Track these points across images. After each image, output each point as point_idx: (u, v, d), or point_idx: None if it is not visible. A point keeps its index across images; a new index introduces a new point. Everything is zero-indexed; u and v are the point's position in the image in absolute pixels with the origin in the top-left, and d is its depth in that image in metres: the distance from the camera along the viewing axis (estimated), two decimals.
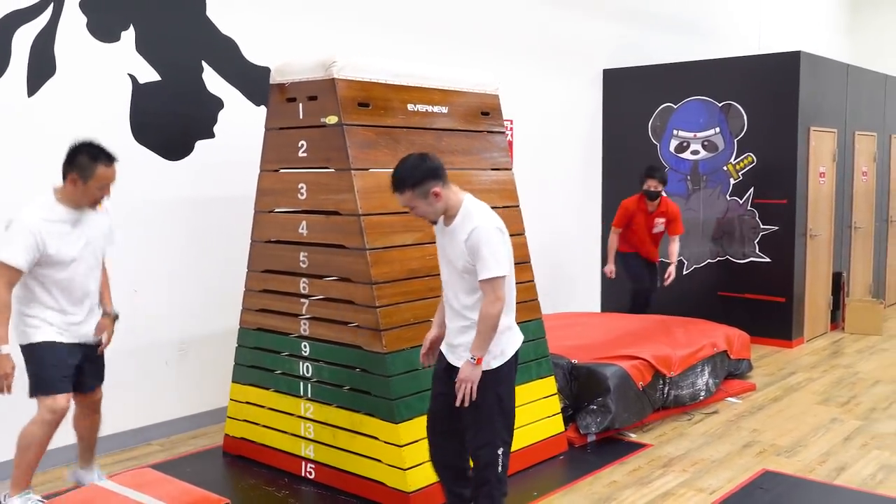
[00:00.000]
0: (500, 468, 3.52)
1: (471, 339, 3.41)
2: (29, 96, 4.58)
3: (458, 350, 3.52)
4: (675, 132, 8.32)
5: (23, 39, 4.52)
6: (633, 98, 8.56)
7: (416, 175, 3.36)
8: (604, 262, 7.70)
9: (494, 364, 3.45)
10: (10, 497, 3.73)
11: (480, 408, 3.44)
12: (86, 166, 3.71)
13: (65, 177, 3.76)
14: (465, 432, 3.54)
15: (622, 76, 8.63)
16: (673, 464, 4.82)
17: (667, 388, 5.58)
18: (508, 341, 3.52)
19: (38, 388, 3.75)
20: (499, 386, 3.48)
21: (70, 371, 3.84)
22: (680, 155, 8.30)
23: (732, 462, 4.84)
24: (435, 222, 3.54)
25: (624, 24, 8.85)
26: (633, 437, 5.28)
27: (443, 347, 3.63)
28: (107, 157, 3.76)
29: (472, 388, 3.37)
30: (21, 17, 4.50)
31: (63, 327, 3.81)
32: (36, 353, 3.75)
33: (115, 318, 4.07)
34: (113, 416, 4.93)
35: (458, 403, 3.40)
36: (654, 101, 8.42)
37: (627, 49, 8.84)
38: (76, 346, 3.86)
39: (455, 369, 3.49)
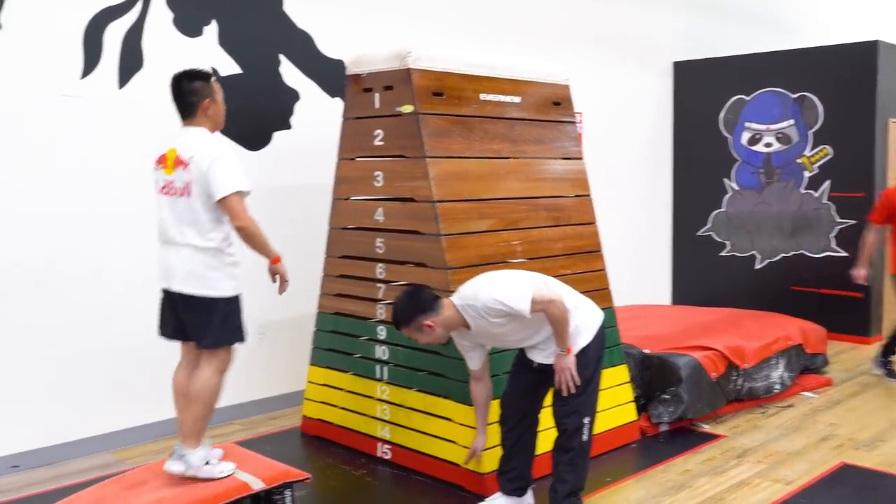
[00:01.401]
0: (584, 436, 3.66)
1: (552, 349, 3.65)
2: (119, 88, 4.78)
3: (546, 357, 3.71)
4: (747, 124, 8.21)
5: (114, 35, 4.73)
6: (704, 90, 8.47)
7: (406, 315, 3.57)
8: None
9: (577, 348, 3.63)
10: (193, 450, 3.63)
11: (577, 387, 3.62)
12: (206, 87, 3.67)
13: (195, 109, 3.63)
14: (554, 408, 3.71)
15: (693, 68, 8.55)
16: (748, 455, 4.78)
17: (741, 380, 5.52)
18: (583, 321, 3.67)
19: (233, 338, 3.69)
20: (587, 362, 3.64)
21: None
22: (752, 148, 8.18)
23: (809, 455, 4.77)
24: (447, 341, 3.72)
25: (694, 16, 8.76)
26: (706, 427, 5.25)
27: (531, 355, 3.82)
28: (211, 74, 3.76)
29: (572, 374, 3.57)
30: (112, 13, 4.71)
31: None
32: (233, 305, 3.66)
33: None
34: None
35: (564, 393, 3.59)
36: (725, 94, 8.32)
37: (698, 41, 8.76)
38: None
39: (541, 365, 3.70)
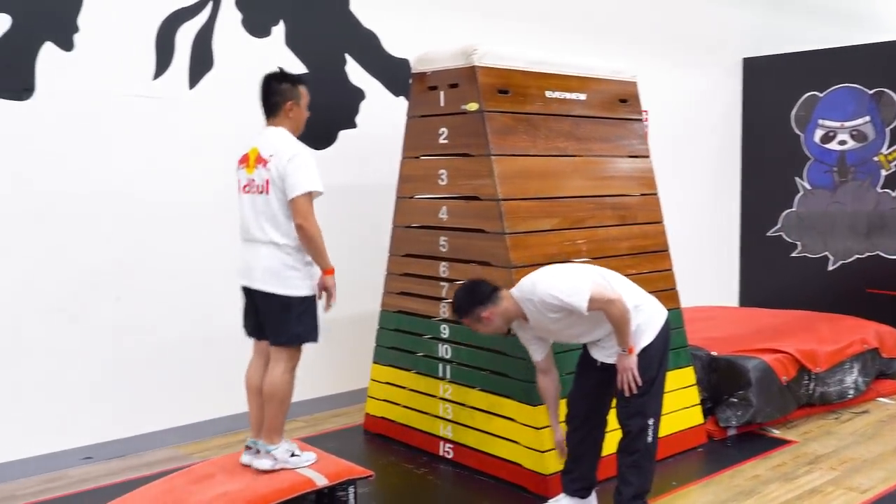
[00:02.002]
0: (649, 438, 3.59)
1: (613, 346, 3.57)
2: (190, 89, 4.88)
3: (607, 356, 3.66)
4: (820, 122, 7.97)
5: (185, 36, 4.83)
6: (776, 87, 8.25)
7: (465, 306, 3.60)
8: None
9: (643, 343, 3.57)
10: (277, 446, 3.73)
11: (639, 386, 3.55)
12: (293, 90, 3.76)
13: (278, 109, 3.74)
14: (618, 410, 3.65)
15: (763, 64, 8.34)
16: (820, 461, 4.64)
17: (812, 385, 5.37)
18: (645, 320, 3.60)
19: (306, 337, 3.76)
20: (649, 361, 3.56)
21: None
22: (825, 145, 7.94)
23: (886, 462, 4.61)
24: (508, 332, 3.72)
25: (765, 11, 8.55)
26: (776, 432, 5.11)
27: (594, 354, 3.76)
28: (302, 79, 3.85)
29: (633, 374, 3.49)
30: (184, 14, 4.81)
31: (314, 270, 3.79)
32: (308, 304, 3.73)
33: None
34: None
35: (626, 393, 3.53)
36: (797, 90, 8.09)
37: (769, 36, 8.55)
38: None
39: (609, 366, 3.63)
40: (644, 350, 3.56)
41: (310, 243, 3.65)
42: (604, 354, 3.66)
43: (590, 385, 3.75)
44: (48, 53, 4.37)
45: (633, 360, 3.51)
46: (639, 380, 3.51)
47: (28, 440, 4.46)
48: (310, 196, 3.60)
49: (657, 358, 3.60)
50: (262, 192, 3.66)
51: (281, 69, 3.94)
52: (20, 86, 4.30)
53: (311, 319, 3.75)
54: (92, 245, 4.58)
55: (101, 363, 4.65)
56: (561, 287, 3.46)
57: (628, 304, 3.50)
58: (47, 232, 4.43)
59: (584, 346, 3.76)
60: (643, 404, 3.58)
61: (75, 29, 4.45)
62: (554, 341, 3.80)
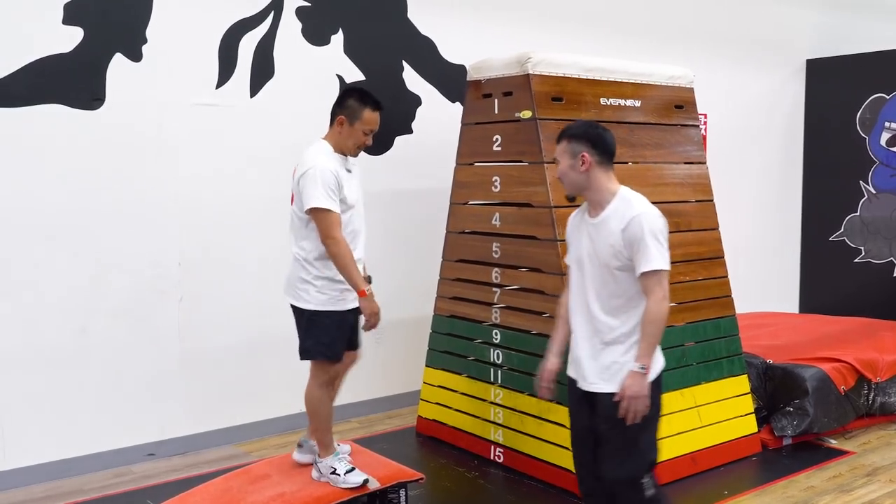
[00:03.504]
0: (649, 491, 3.05)
1: (615, 359, 2.99)
2: (251, 97, 5.01)
3: (597, 373, 3.02)
4: (887, 124, 7.78)
5: (247, 45, 4.96)
6: (840, 89, 8.08)
7: (579, 130, 3.06)
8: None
9: (653, 375, 3.00)
10: (322, 460, 3.77)
11: (626, 428, 2.95)
12: (355, 108, 3.71)
13: (333, 120, 3.77)
14: (603, 459, 3.08)
15: (828, 66, 8.17)
16: (878, 473, 4.56)
17: (872, 395, 5.27)
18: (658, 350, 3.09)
19: (318, 353, 3.73)
20: (656, 396, 3.03)
21: (349, 339, 3.84)
22: (892, 149, 7.75)
23: None
24: (571, 199, 3.21)
25: (829, 11, 8.37)
26: (834, 443, 5.04)
27: (571, 372, 3.16)
28: (374, 102, 3.76)
29: (642, 404, 2.92)
30: (246, 25, 4.94)
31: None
32: (320, 319, 3.67)
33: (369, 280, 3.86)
34: None
35: (629, 422, 2.93)
36: (863, 92, 7.90)
37: (833, 37, 8.36)
38: (356, 308, 3.75)
39: (593, 396, 3.03)
40: (658, 378, 3.05)
41: (335, 260, 3.60)
42: (597, 369, 3.03)
43: (585, 432, 3.16)
44: (118, 64, 4.55)
45: (644, 386, 2.92)
46: (646, 411, 2.93)
47: (95, 437, 4.65)
48: (325, 212, 3.56)
49: (659, 396, 3.08)
50: (292, 203, 3.77)
51: (361, 88, 3.92)
52: (91, 96, 4.49)
53: (321, 335, 3.68)
54: (156, 248, 4.75)
55: (164, 363, 4.82)
56: (658, 238, 2.94)
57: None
58: (114, 236, 4.61)
59: (571, 380, 3.15)
60: (638, 458, 3.02)
61: (144, 40, 4.61)
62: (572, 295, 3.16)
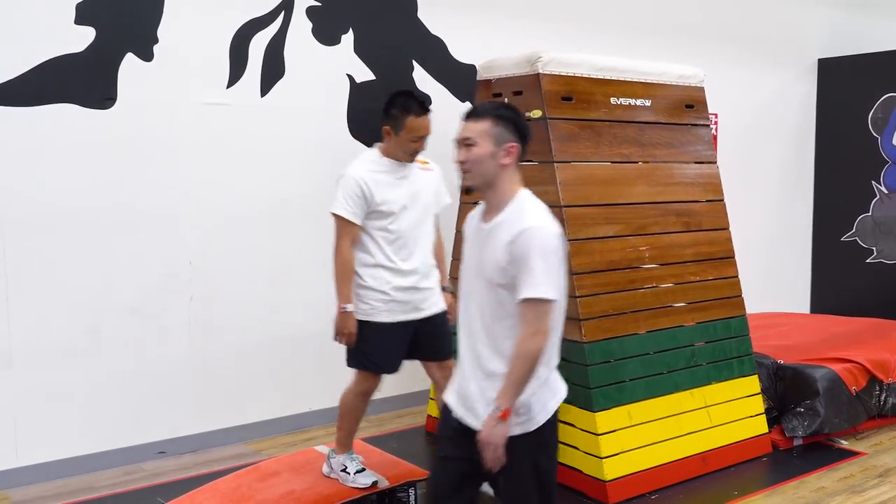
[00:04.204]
0: None
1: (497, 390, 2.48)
2: (261, 97, 5.03)
3: (478, 406, 2.54)
4: None
5: (258, 45, 4.98)
6: (852, 89, 8.04)
7: (510, 114, 2.57)
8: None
9: (532, 425, 2.51)
10: (335, 456, 3.87)
11: (514, 483, 2.54)
12: (397, 118, 3.64)
13: (381, 129, 3.75)
14: None
15: (839, 65, 8.14)
16: (890, 474, 4.54)
17: (884, 395, 5.24)
18: (553, 394, 2.59)
19: (357, 362, 3.75)
20: (539, 453, 2.55)
21: (398, 353, 3.76)
22: None
23: None
24: (469, 190, 3.04)
25: (841, 10, 8.34)
26: (845, 444, 5.02)
27: (451, 399, 2.66)
28: (418, 108, 3.65)
29: (500, 452, 2.44)
30: (257, 24, 4.96)
31: (396, 296, 3.65)
32: (360, 329, 3.66)
33: (453, 293, 3.78)
34: (329, 392, 5.33)
35: (494, 469, 2.49)
36: (876, 92, 7.87)
37: (846, 36, 8.32)
38: (408, 322, 3.70)
39: (473, 431, 2.53)
40: (536, 432, 2.51)
41: (334, 266, 3.64)
42: (486, 404, 2.51)
43: (457, 455, 2.61)
44: (129, 64, 4.57)
45: (502, 432, 2.42)
46: (504, 460, 2.45)
47: (106, 434, 4.67)
48: (336, 218, 3.60)
49: (550, 445, 2.60)
50: None
51: (410, 92, 3.85)
52: (103, 95, 4.51)
53: (362, 344, 3.68)
54: (167, 247, 4.77)
55: (174, 362, 4.84)
56: (547, 259, 2.43)
57: (543, 369, 2.50)
58: (126, 235, 4.63)
59: (448, 408, 2.66)
60: None
61: (155, 40, 4.63)
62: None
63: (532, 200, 2.58)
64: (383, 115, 3.73)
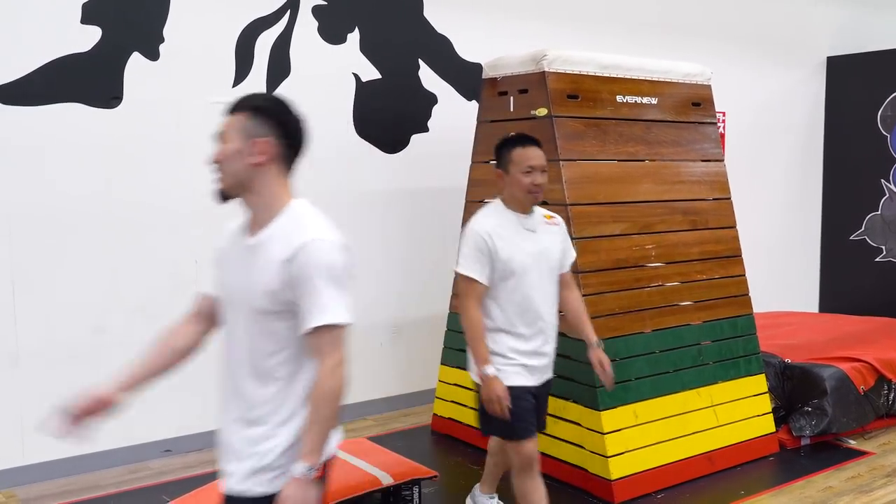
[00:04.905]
0: None
1: (265, 447, 2.07)
2: None
3: (242, 464, 2.09)
4: None
5: (264, 44, 4.98)
6: (861, 87, 8.00)
7: (267, 104, 2.17)
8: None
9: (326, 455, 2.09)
10: (480, 491, 3.85)
11: None
12: (502, 157, 3.39)
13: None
14: None
15: (848, 63, 8.10)
16: None
17: (892, 395, 5.21)
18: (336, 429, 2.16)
19: (484, 427, 3.44)
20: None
21: (533, 414, 3.36)
22: None
23: None
24: (225, 197, 2.21)
25: (850, 8, 8.30)
26: (853, 443, 4.99)
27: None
28: (520, 140, 3.39)
29: None
30: (263, 23, 4.96)
31: (519, 359, 3.31)
32: (479, 391, 3.31)
33: (601, 346, 3.48)
34: None
35: None
36: (884, 90, 7.83)
37: (854, 34, 8.29)
38: (530, 388, 3.34)
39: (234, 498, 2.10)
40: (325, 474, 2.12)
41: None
42: (246, 470, 2.08)
43: None
44: (135, 63, 4.58)
45: (311, 498, 2.01)
46: None
47: (111, 433, 4.66)
48: (465, 278, 3.28)
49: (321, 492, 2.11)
50: None
51: (506, 136, 3.49)
52: (109, 94, 4.52)
53: (481, 408, 3.30)
54: (173, 246, 4.78)
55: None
56: (336, 278, 2.03)
57: (349, 382, 2.09)
58: (132, 234, 4.64)
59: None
60: None
61: (161, 39, 4.64)
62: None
63: (310, 210, 2.13)
64: (495, 167, 3.46)
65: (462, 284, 3.30)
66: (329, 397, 2.01)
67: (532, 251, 3.32)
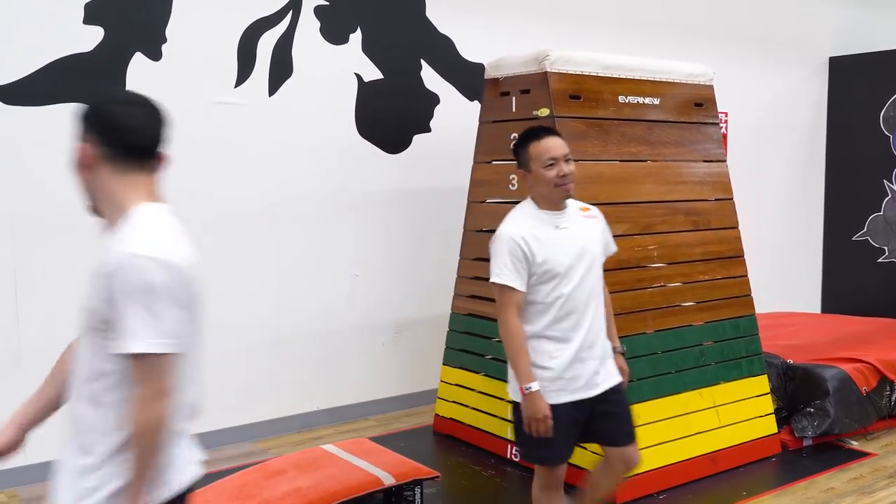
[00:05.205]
0: None
1: (93, 482, 1.87)
2: (269, 96, 5.03)
3: (65, 498, 1.90)
4: None
5: (266, 44, 4.98)
6: (864, 87, 7.99)
7: (91, 107, 2.07)
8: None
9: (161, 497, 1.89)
10: None
11: None
12: (521, 154, 3.16)
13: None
14: None
15: (851, 64, 8.09)
16: None
17: (895, 396, 5.20)
18: (185, 458, 2.05)
19: (522, 452, 3.34)
20: None
21: (567, 441, 3.16)
22: None
23: None
24: (94, 210, 2.05)
25: (852, 8, 8.29)
26: (855, 444, 4.98)
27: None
28: (534, 134, 3.16)
29: None
30: (265, 24, 4.97)
31: (563, 372, 3.07)
32: (518, 413, 3.14)
33: (623, 353, 3.37)
34: (337, 391, 5.37)
35: None
36: (887, 90, 7.82)
37: (857, 34, 8.28)
38: (581, 401, 3.11)
39: None
40: None
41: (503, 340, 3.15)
42: (75, 493, 1.88)
43: None
44: (138, 63, 4.58)
45: None
46: None
47: None
48: (499, 287, 3.06)
49: None
50: None
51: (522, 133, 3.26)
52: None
53: (519, 430, 3.13)
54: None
55: None
56: (150, 299, 1.82)
57: (170, 416, 1.86)
58: None
59: None
60: None
61: (163, 39, 4.64)
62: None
63: (151, 217, 1.93)
64: (517, 168, 3.26)
65: (498, 294, 3.07)
66: (141, 432, 1.81)
67: (572, 250, 3.08)
